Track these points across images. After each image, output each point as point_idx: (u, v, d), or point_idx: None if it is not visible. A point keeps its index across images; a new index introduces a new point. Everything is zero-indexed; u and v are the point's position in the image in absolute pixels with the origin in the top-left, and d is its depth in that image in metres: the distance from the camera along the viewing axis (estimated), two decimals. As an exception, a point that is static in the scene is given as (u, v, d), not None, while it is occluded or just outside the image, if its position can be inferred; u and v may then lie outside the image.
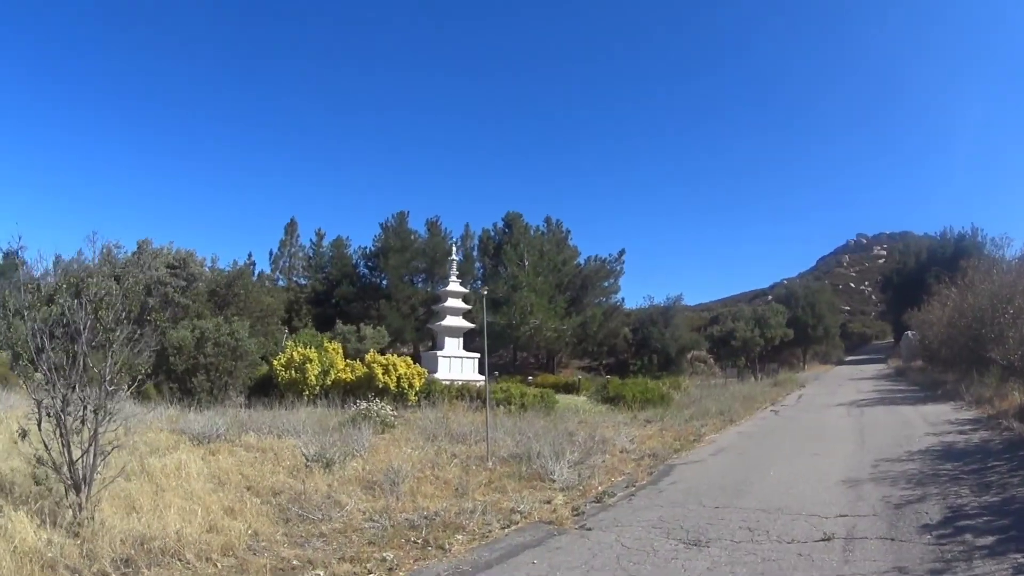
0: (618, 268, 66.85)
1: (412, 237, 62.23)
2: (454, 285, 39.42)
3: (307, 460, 13.38)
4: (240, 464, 13.14)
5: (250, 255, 65.47)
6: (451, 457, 15.25)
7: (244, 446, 15.37)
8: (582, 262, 66.77)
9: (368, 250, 64.72)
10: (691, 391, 35.62)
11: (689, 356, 62.46)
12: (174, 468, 11.87)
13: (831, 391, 40.23)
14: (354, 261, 65.45)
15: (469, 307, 39.28)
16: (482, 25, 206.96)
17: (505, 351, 63.32)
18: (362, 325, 50.17)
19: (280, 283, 64.58)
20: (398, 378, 26.18)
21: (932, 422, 21.49)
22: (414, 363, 28.32)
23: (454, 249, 43.18)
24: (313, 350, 27.00)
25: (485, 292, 19.36)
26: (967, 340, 32.45)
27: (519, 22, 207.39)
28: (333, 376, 27.01)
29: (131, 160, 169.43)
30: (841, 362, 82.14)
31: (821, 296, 75.91)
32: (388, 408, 20.36)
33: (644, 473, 14.32)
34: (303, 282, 66.12)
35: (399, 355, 30.57)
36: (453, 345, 37.76)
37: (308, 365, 26.19)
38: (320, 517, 9.98)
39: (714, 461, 16.04)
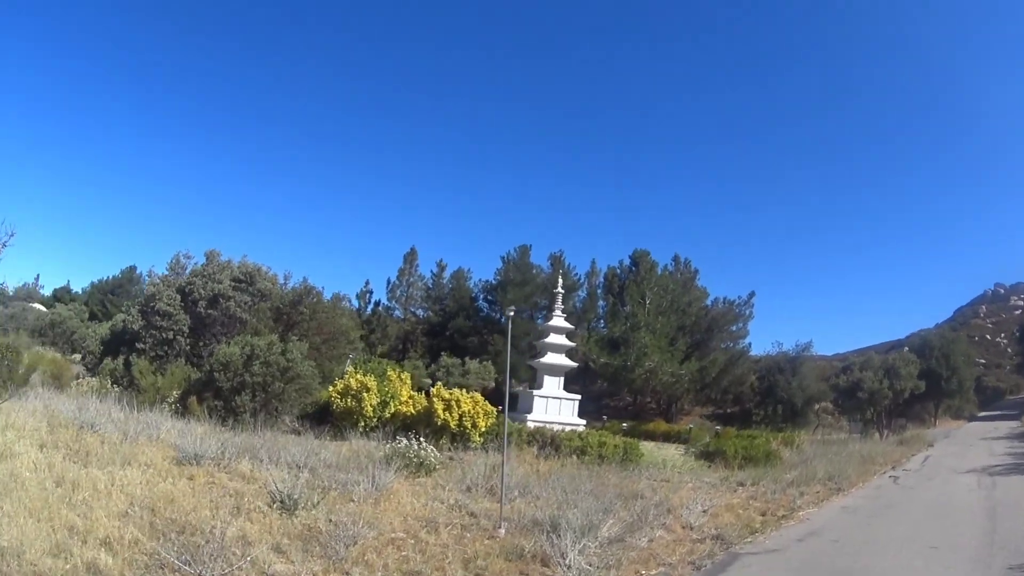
0: (747, 312, 63.05)
1: (533, 271, 60.32)
2: (558, 320, 36.63)
3: (272, 499, 11.69)
4: (192, 492, 11.87)
5: (367, 283, 64.69)
6: (466, 516, 12.80)
7: (230, 473, 14.09)
8: (709, 304, 63.38)
9: (488, 283, 63.39)
10: (804, 448, 30.99)
11: (817, 408, 58.48)
12: (90, 485, 10.95)
13: (960, 452, 35.76)
14: (473, 294, 64.22)
15: (573, 344, 36.41)
16: (609, 57, 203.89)
17: (623, 395, 60.22)
18: (467, 359, 48.11)
19: (396, 313, 64.09)
20: (460, 416, 22.91)
21: None
22: (486, 400, 24.72)
23: (559, 281, 40.01)
24: (372, 378, 24.14)
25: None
26: None
27: (645, 55, 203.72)
28: (393, 408, 24.12)
29: (260, 187, 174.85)
30: (974, 418, 76.72)
31: (956, 347, 68.69)
32: (430, 449, 17.48)
33: (691, 567, 10.78)
34: (420, 313, 65.24)
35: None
36: (553, 384, 34.98)
37: (365, 394, 23.31)
38: (195, 573, 7.91)
39: (796, 552, 12.11)
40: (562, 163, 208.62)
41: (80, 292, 77.51)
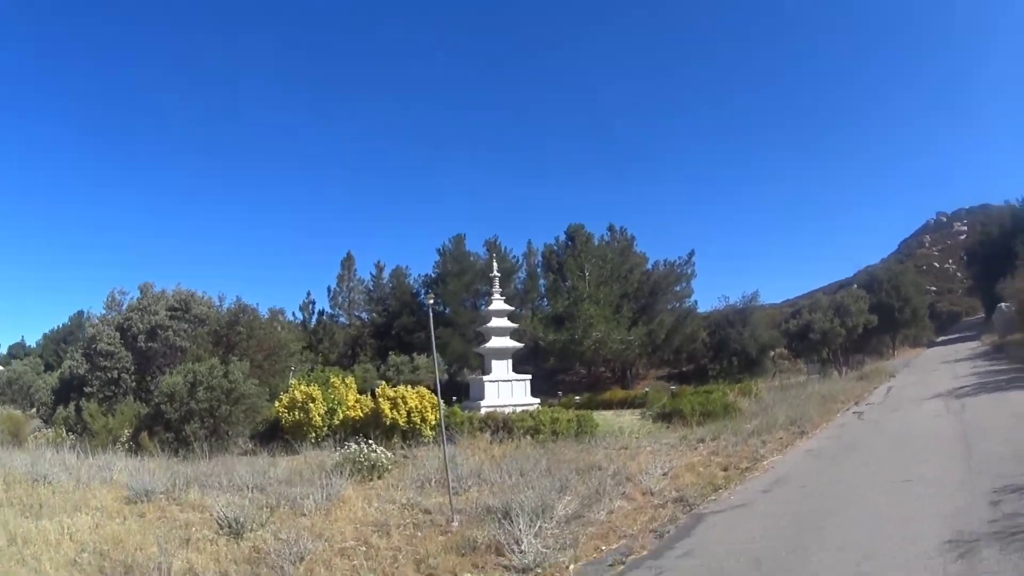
0: (689, 271, 62.75)
1: (471, 259, 60.23)
2: (498, 303, 35.92)
3: (220, 525, 11.42)
4: (141, 530, 11.57)
5: (308, 293, 65.41)
6: (419, 514, 12.34)
7: (181, 504, 13.76)
8: (650, 268, 63.26)
9: (428, 277, 63.17)
10: (763, 396, 30.01)
11: (772, 355, 58.06)
12: (41, 538, 10.72)
13: (924, 379, 34.80)
14: (414, 290, 64.05)
15: (516, 325, 36.14)
16: (522, 35, 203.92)
17: (576, 369, 60.30)
18: (415, 355, 48.11)
19: (341, 320, 64.27)
20: (408, 412, 22.50)
21: None
22: (432, 393, 24.28)
23: (494, 265, 39.47)
24: (316, 388, 23.80)
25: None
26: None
27: (565, 31, 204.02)
28: (341, 414, 23.63)
29: (177, 206, 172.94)
30: (932, 344, 78.03)
31: (905, 277, 70.56)
32: (380, 451, 17.08)
33: (653, 535, 10.18)
34: (365, 317, 65.31)
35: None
36: (501, 368, 34.44)
37: (312, 405, 22.90)
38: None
39: (763, 505, 11.44)
40: (487, 152, 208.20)
41: (34, 345, 76.56)
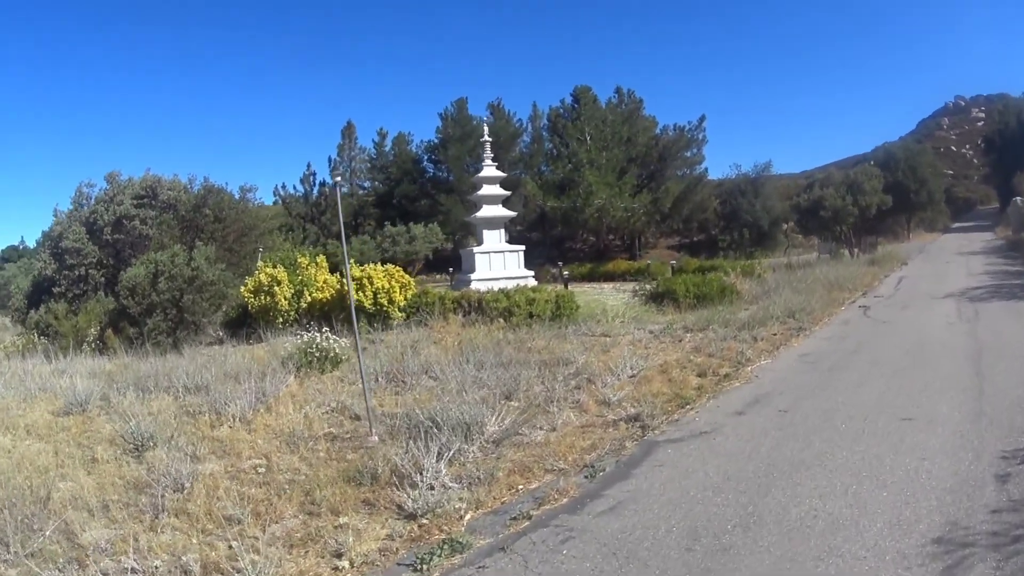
0: (700, 136, 61.56)
1: (474, 124, 58.01)
2: (489, 169, 34.65)
3: (125, 442, 9.99)
4: (55, 449, 10.26)
5: (308, 165, 64.21)
6: (347, 421, 10.90)
7: (111, 414, 11.97)
8: (659, 133, 61.60)
9: (431, 143, 62.62)
10: (766, 278, 27.95)
11: (785, 228, 57.46)
12: None
13: (937, 272, 33.04)
14: (416, 157, 63.67)
15: (508, 193, 34.98)
16: None
17: (584, 237, 59.48)
18: (412, 224, 47.05)
19: (344, 189, 63.08)
20: (375, 293, 21.06)
21: None
22: (403, 271, 22.67)
23: (485, 129, 37.87)
24: (282, 269, 22.45)
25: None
26: None
27: None
28: (309, 297, 22.35)
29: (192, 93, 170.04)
30: (948, 229, 76.54)
31: (923, 158, 67.94)
32: (334, 339, 15.56)
33: (585, 473, 8.12)
34: (368, 186, 65.02)
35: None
36: (494, 238, 33.30)
37: (277, 288, 21.74)
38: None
39: (729, 436, 9.31)
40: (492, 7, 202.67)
41: (33, 246, 76.19)
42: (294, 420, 10.77)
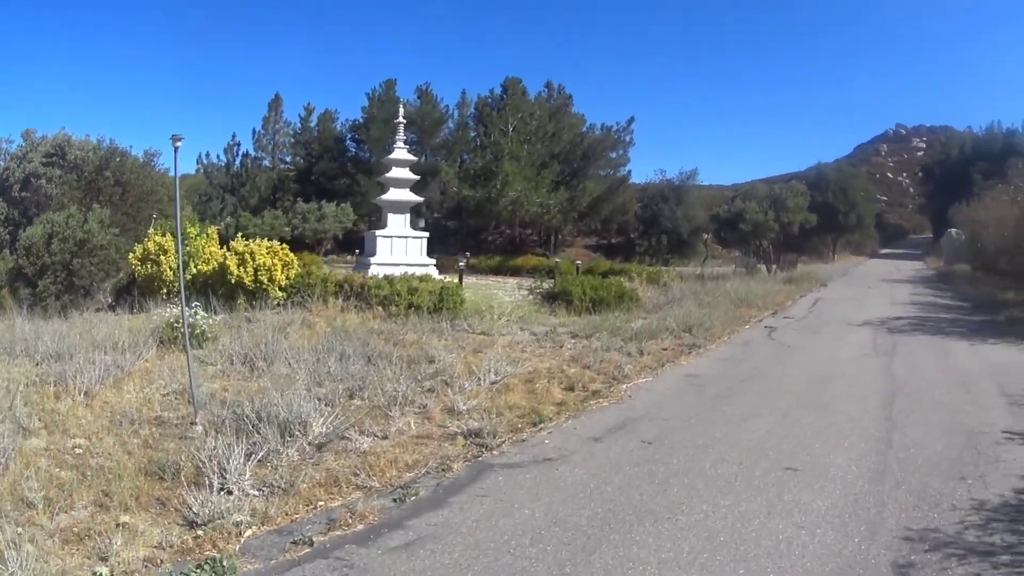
0: (627, 138, 62.56)
1: (400, 105, 57.82)
2: (400, 152, 34.08)
3: None
4: None
5: (233, 136, 63.09)
6: (185, 405, 9.98)
7: None
8: (586, 130, 62.23)
9: (356, 123, 62.75)
10: (672, 287, 27.49)
11: (705, 238, 56.76)
12: None
13: (857, 296, 32.26)
14: (340, 135, 63.68)
15: (417, 178, 34.66)
16: None
17: (502, 229, 59.55)
18: (323, 203, 46.94)
19: (265, 163, 63.48)
20: (255, 270, 20.57)
21: (1011, 391, 12.58)
22: (287, 249, 22.05)
23: (400, 110, 37.22)
24: (170, 238, 21.78)
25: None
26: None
27: None
28: (194, 268, 21.86)
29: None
30: (875, 254, 77.96)
31: (855, 181, 69.66)
32: (202, 316, 15.28)
33: (393, 496, 7.07)
34: (289, 160, 64.99)
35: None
36: (398, 223, 32.73)
37: (163, 257, 21.24)
38: None
39: (578, 467, 8.08)
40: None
41: None
42: (133, 400, 10.48)
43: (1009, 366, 15.28)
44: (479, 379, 11.74)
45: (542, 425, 9.67)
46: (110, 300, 22.54)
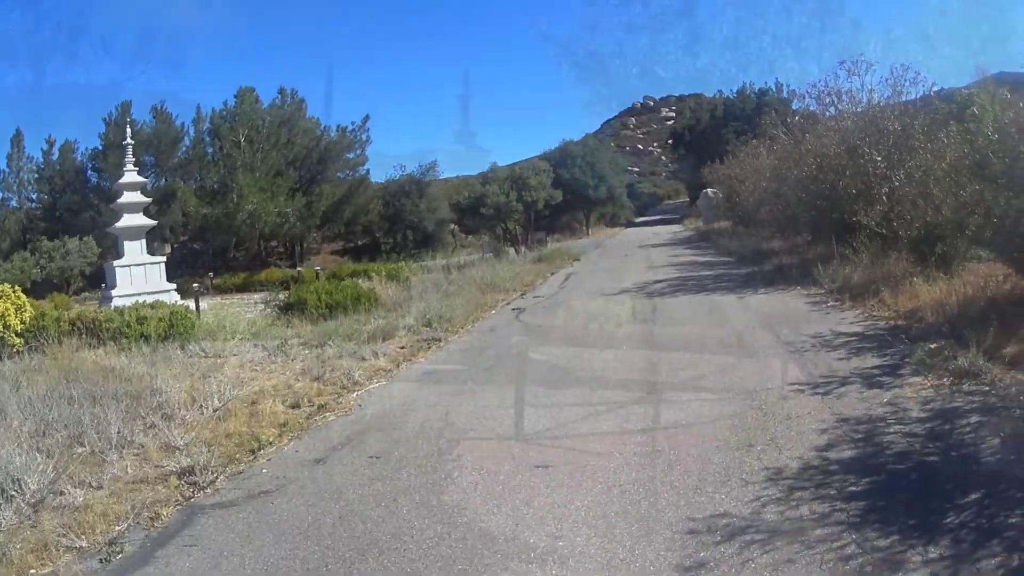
0: (363, 137, 61.52)
1: (138, 128, 56.11)
2: (130, 175, 32.40)
3: None
4: None
5: None
6: None
7: None
8: (320, 133, 61.44)
9: (95, 151, 59.40)
10: (413, 283, 26.52)
11: (452, 229, 58.19)
12: None
13: (613, 267, 31.25)
14: (80, 166, 60.75)
15: (149, 200, 33.72)
16: None
17: (244, 246, 58.69)
18: (67, 238, 45.66)
19: (12, 203, 60.14)
20: None
21: (788, 338, 12.48)
22: (20, 292, 21.08)
23: (128, 131, 35.54)
24: None
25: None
26: (813, 199, 22.51)
27: None
28: None
29: None
30: (631, 224, 77.99)
31: (602, 154, 70.03)
32: None
33: (100, 554, 6.23)
34: (35, 198, 61.79)
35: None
36: (135, 250, 31.04)
37: None
38: None
39: (297, 492, 7.28)
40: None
41: None
42: None
43: (782, 314, 15.37)
44: (202, 407, 10.66)
45: (261, 452, 8.77)
46: None
